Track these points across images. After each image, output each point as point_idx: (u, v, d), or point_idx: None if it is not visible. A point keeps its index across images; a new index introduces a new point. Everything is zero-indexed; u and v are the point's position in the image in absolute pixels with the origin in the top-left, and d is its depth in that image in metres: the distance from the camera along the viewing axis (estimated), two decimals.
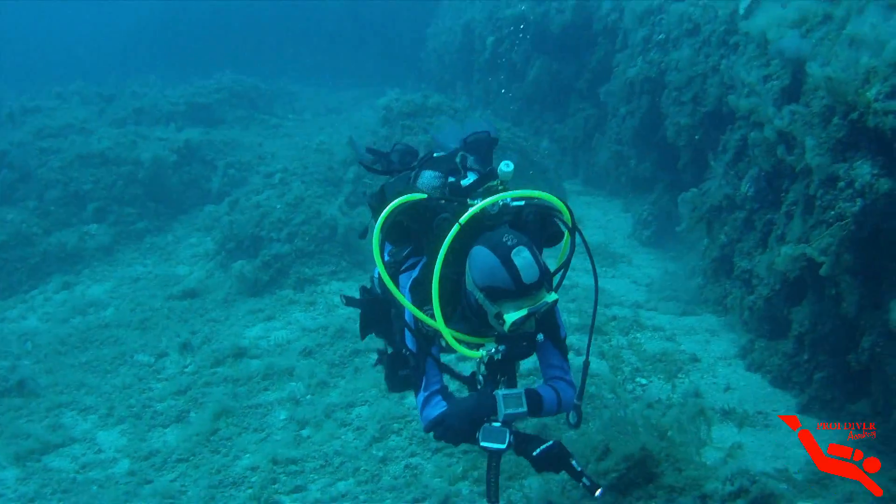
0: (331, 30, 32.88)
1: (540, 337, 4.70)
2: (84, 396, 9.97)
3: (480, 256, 4.59)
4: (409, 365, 5.24)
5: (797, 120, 8.61)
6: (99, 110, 21.16)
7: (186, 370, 10.39)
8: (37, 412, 9.69)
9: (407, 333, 5.12)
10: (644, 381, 9.28)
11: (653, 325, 10.82)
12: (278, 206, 13.92)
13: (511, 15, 21.00)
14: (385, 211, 5.11)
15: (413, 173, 6.03)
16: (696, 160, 12.91)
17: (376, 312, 6.14)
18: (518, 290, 4.46)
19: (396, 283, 5.18)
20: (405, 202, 5.12)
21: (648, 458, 6.24)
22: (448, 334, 4.74)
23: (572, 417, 5.19)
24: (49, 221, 15.31)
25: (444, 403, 4.95)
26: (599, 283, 5.51)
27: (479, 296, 4.63)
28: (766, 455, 7.64)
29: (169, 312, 12.15)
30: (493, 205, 4.87)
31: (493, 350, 4.72)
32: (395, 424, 8.48)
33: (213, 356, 10.52)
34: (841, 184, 7.77)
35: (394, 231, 5.30)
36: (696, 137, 12.74)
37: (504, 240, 4.56)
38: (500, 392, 4.75)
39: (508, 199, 5.01)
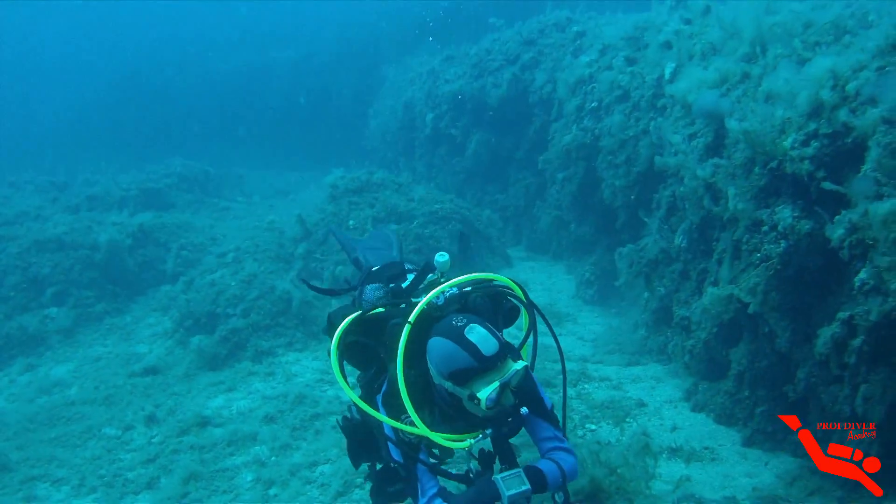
0: (276, 114, 33.28)
1: (524, 410, 4.62)
2: (56, 469, 10.03)
3: (436, 346, 4.59)
4: (400, 478, 5.10)
5: (720, 172, 9.06)
6: (52, 198, 21.30)
7: (153, 440, 10.48)
8: (10, 485, 9.72)
9: (391, 447, 4.91)
10: (593, 427, 9.54)
11: (600, 376, 11.11)
12: (233, 284, 14.14)
13: (449, 91, 21.50)
14: (335, 336, 5.10)
15: (356, 292, 6.26)
16: (633, 220, 13.29)
17: (362, 438, 5.76)
18: (482, 366, 4.42)
19: (373, 406, 5.01)
20: (352, 321, 5.13)
21: (600, 492, 6.51)
22: (426, 430, 4.60)
23: (559, 497, 4.91)
24: (9, 306, 15.32)
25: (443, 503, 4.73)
26: (547, 341, 5.59)
27: (448, 385, 4.57)
28: (714, 485, 7.94)
29: (132, 388, 12.21)
30: (438, 296, 4.92)
31: (480, 436, 4.68)
32: (357, 479, 8.66)
33: (179, 426, 10.64)
34: (765, 227, 8.23)
35: (351, 352, 5.28)
36: (632, 197, 13.14)
37: (454, 322, 4.58)
38: (499, 476, 4.62)
39: (454, 289, 5.04)
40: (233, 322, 13.26)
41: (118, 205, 20.12)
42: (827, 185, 7.37)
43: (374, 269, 6.41)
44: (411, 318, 4.76)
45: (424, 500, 4.72)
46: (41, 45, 49.35)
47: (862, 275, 6.96)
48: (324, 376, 11.80)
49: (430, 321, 4.80)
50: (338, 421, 6.10)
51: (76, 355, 14.00)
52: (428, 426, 4.64)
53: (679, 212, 11.04)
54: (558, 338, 5.56)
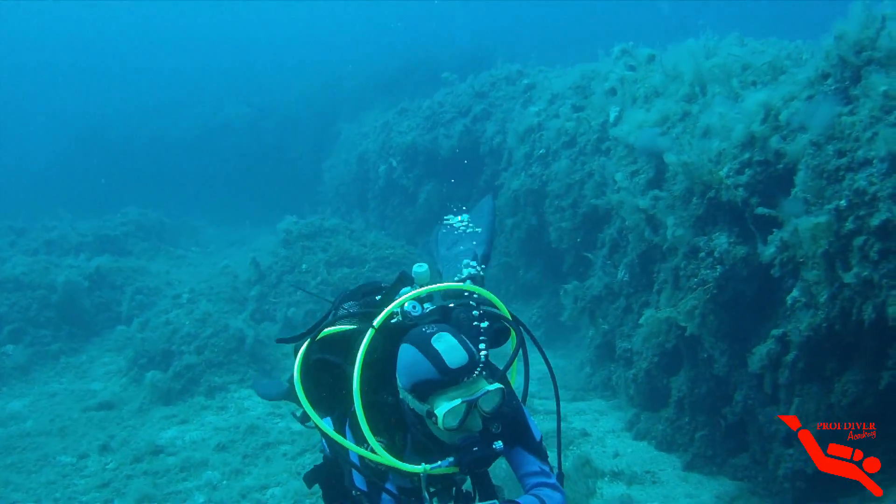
0: (231, 170, 33.43)
1: (498, 445, 3.82)
2: (11, 493, 9.91)
3: (401, 354, 3.94)
4: None
5: (660, 204, 9.28)
6: (10, 242, 21.23)
7: (107, 467, 10.41)
8: None
9: (354, 474, 4.17)
10: None
11: (545, 410, 11.22)
12: (187, 323, 14.14)
13: (402, 143, 21.71)
14: (299, 354, 4.45)
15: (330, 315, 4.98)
16: (579, 262, 13.44)
17: (336, 480, 4.83)
18: (445, 378, 3.73)
19: (341, 432, 4.21)
20: (320, 338, 4.45)
21: None
22: (383, 454, 3.87)
23: None
24: None
25: None
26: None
27: (410, 400, 3.88)
28: None
29: (87, 421, 12.14)
30: (413, 306, 4.22)
31: (439, 463, 3.85)
32: (307, 501, 8.69)
33: (132, 454, 10.60)
34: (702, 254, 8.48)
35: (316, 372, 4.42)
36: (578, 240, 13.35)
37: (424, 330, 3.94)
38: None
39: (430, 302, 4.37)
40: (187, 358, 13.22)
41: (75, 250, 19.97)
42: (760, 210, 7.63)
43: (349, 290, 5.29)
44: (376, 322, 4.11)
45: None
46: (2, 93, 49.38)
47: (794, 293, 7.21)
48: (275, 410, 11.80)
49: (403, 333, 4.05)
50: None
51: (32, 391, 13.86)
52: (397, 454, 3.94)
53: (622, 248, 11.28)
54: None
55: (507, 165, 17.12)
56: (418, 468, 3.83)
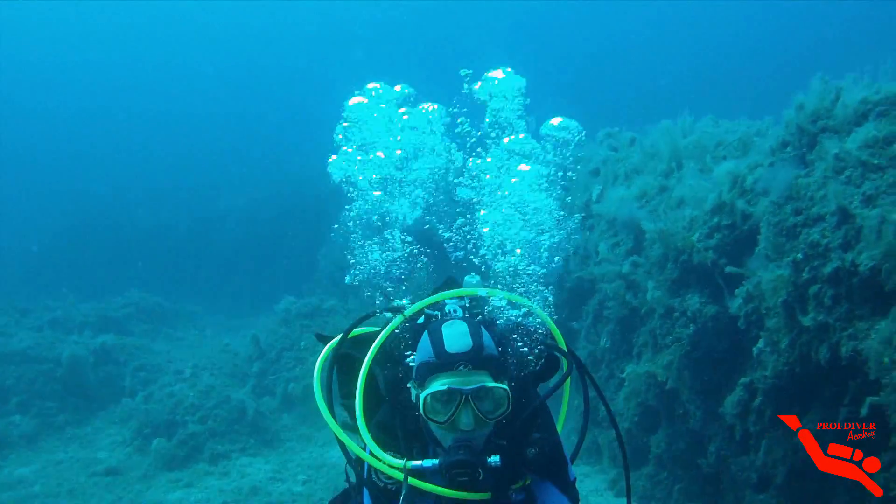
0: (227, 257, 33.99)
1: (495, 459, 3.36)
2: None
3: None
4: None
5: (639, 270, 9.92)
6: (15, 321, 21.58)
7: None
8: None
9: (365, 493, 3.72)
10: None
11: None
12: (191, 395, 14.55)
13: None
14: (325, 348, 4.16)
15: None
16: (565, 334, 13.89)
17: None
18: (438, 361, 3.41)
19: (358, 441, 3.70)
20: (351, 336, 4.10)
21: None
22: (370, 442, 3.50)
23: None
24: None
25: None
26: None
27: (414, 392, 3.55)
28: None
29: (94, 485, 12.46)
30: (455, 308, 3.86)
31: (423, 463, 3.42)
32: None
33: None
34: (676, 314, 9.06)
35: (340, 367, 4.06)
36: (563, 315, 13.85)
37: (449, 308, 3.81)
38: None
39: (478, 313, 3.93)
40: (191, 427, 13.62)
41: (78, 328, 20.38)
42: (729, 269, 8.26)
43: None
44: (408, 311, 3.77)
45: None
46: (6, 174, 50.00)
47: (759, 343, 7.78)
48: (276, 476, 12.18)
49: None
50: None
51: (39, 458, 14.11)
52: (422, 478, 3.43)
53: (604, 318, 11.83)
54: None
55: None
56: (398, 462, 3.43)
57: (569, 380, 3.96)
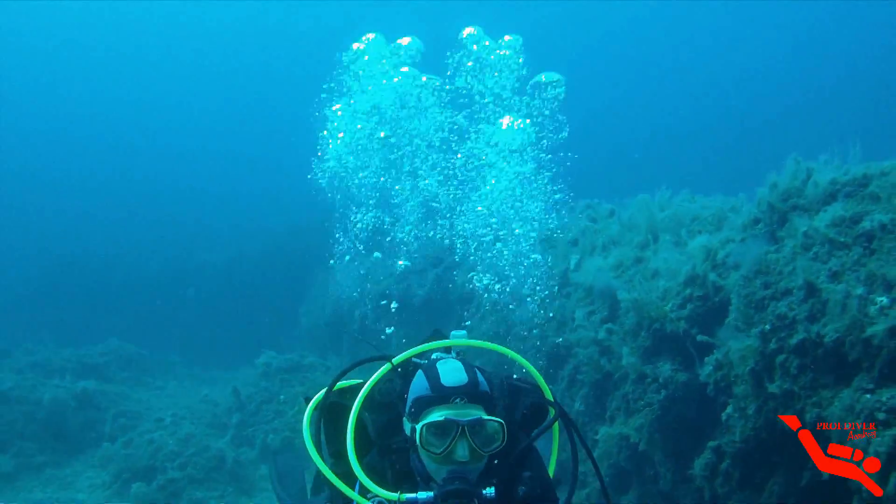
0: (205, 310, 34.10)
1: (490, 491, 3.44)
2: None
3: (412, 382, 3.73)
4: None
5: (614, 336, 10.30)
6: None
7: None
8: None
9: None
10: None
11: None
12: (171, 442, 14.69)
13: (376, 291, 22.56)
14: (315, 398, 4.14)
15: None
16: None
17: None
18: (435, 394, 3.55)
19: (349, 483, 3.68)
20: (336, 387, 4.08)
21: None
22: (359, 471, 3.56)
23: None
24: None
25: None
26: None
27: (408, 428, 3.67)
28: None
29: None
30: (440, 356, 3.90)
31: (419, 496, 3.47)
32: None
33: None
34: (648, 380, 9.44)
35: (329, 416, 4.03)
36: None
37: (435, 356, 3.87)
38: None
39: (458, 351, 4.10)
40: (170, 473, 13.75)
41: (59, 373, 20.45)
42: (700, 338, 8.65)
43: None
44: (396, 359, 3.88)
45: None
46: None
47: (728, 409, 8.15)
48: None
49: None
50: None
51: (18, 497, 14.18)
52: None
53: (578, 382, 12.15)
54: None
55: (476, 311, 17.99)
56: (393, 495, 3.47)
57: (556, 429, 4.05)
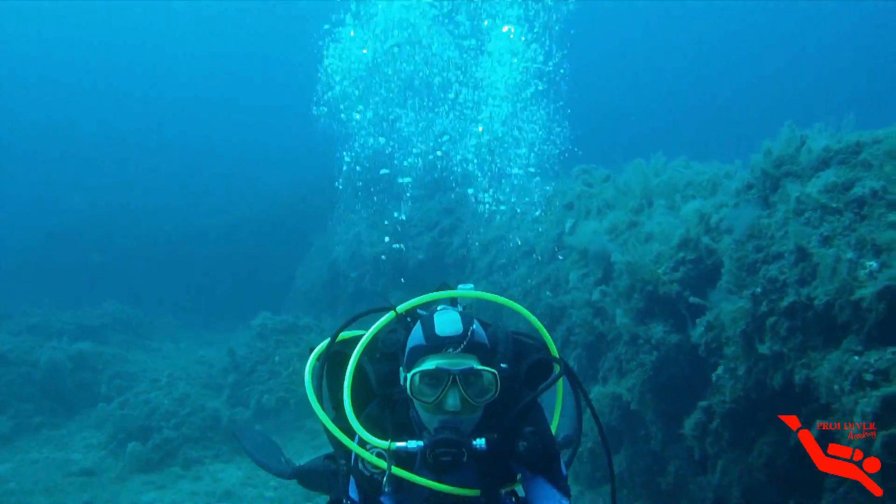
0: (204, 274, 34.08)
1: (480, 442, 3.42)
2: None
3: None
4: None
5: (608, 297, 10.36)
6: None
7: None
8: None
9: (352, 481, 3.70)
10: None
11: None
12: (166, 402, 14.78)
13: (371, 253, 22.61)
14: (314, 352, 4.03)
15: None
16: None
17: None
18: (428, 343, 3.47)
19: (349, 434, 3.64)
20: (342, 336, 4.02)
21: None
22: (354, 421, 3.52)
23: None
24: None
25: None
26: None
27: (403, 379, 3.59)
28: None
29: (69, 484, 12.66)
30: (444, 307, 3.75)
31: (409, 444, 3.44)
32: None
33: None
34: (640, 341, 9.52)
35: (332, 364, 3.94)
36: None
37: (440, 308, 3.72)
38: None
39: (465, 305, 3.92)
40: (165, 433, 13.86)
41: (57, 335, 20.49)
42: (692, 299, 8.72)
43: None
44: (400, 307, 3.81)
45: None
46: None
47: (718, 370, 8.24)
48: (248, 481, 12.41)
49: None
50: None
51: (14, 458, 14.26)
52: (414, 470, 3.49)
53: (571, 343, 12.25)
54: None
55: (471, 273, 18.05)
56: (384, 444, 3.44)
57: (561, 384, 4.07)
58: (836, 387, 6.60)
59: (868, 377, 6.25)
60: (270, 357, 17.19)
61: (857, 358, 6.49)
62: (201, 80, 72.52)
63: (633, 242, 10.26)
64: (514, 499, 3.76)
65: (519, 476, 3.71)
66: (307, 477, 5.25)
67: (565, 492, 3.63)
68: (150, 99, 70.03)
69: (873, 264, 6.59)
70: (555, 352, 3.96)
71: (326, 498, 4.06)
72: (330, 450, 4.03)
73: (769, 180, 8.50)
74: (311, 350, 4.07)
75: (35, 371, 17.00)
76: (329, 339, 3.98)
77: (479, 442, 3.39)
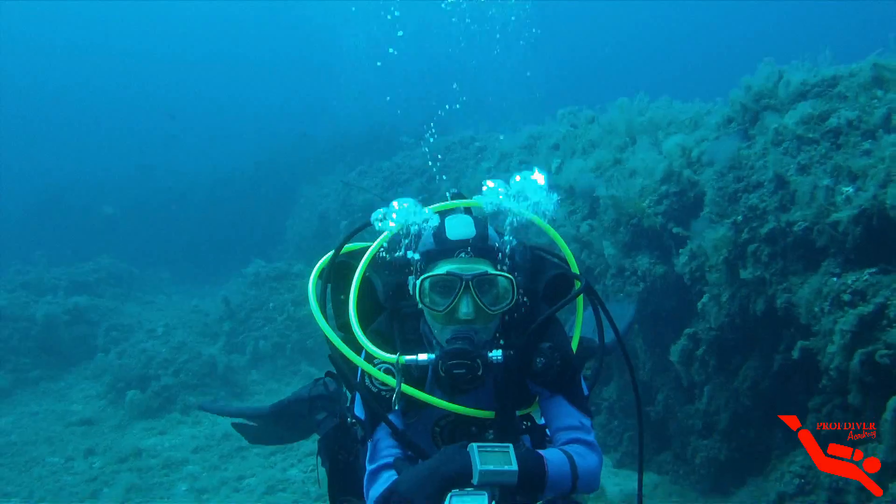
0: (195, 227, 34.08)
1: (496, 354, 3.22)
2: (3, 486, 10.63)
3: None
4: (354, 441, 3.92)
5: (595, 231, 10.55)
6: None
7: (94, 466, 11.13)
8: None
9: (357, 400, 3.57)
10: None
11: None
12: (163, 351, 14.92)
13: (361, 202, 22.69)
14: (325, 257, 3.90)
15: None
16: None
17: (343, 467, 4.13)
18: (439, 248, 3.32)
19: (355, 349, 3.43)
20: (349, 246, 3.93)
21: None
22: (361, 336, 3.32)
23: None
24: None
25: (395, 475, 3.25)
26: None
27: (412, 287, 3.40)
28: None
29: (70, 433, 12.84)
30: (460, 216, 3.47)
31: (418, 358, 3.29)
32: (279, 485, 9.68)
33: (117, 456, 11.31)
34: (627, 273, 9.72)
35: (338, 274, 3.82)
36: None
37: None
38: (476, 445, 2.99)
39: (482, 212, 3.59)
40: (164, 380, 14.00)
41: (51, 291, 20.59)
42: (675, 230, 8.92)
43: None
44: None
45: (372, 466, 3.37)
46: None
47: (703, 298, 8.46)
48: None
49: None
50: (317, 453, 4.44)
51: (14, 411, 14.42)
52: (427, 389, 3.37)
53: None
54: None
55: None
56: (392, 357, 3.25)
57: (581, 299, 3.75)
58: (815, 308, 6.80)
59: (846, 297, 6.45)
60: (265, 304, 17.35)
61: (835, 280, 6.70)
62: (187, 37, 72.15)
63: (618, 178, 10.40)
64: (528, 423, 3.64)
65: (537, 399, 3.58)
66: (282, 414, 5.27)
67: (586, 412, 3.49)
68: (138, 56, 69.65)
69: (849, 189, 6.77)
70: (575, 269, 3.77)
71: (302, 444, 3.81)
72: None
73: (749, 114, 8.69)
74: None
75: (32, 326, 17.10)
76: (333, 250, 3.81)
77: (496, 353, 3.21)
